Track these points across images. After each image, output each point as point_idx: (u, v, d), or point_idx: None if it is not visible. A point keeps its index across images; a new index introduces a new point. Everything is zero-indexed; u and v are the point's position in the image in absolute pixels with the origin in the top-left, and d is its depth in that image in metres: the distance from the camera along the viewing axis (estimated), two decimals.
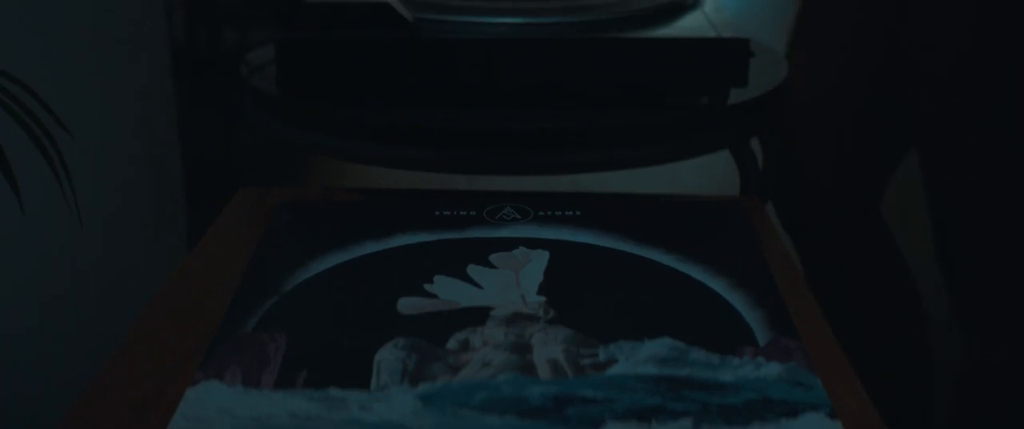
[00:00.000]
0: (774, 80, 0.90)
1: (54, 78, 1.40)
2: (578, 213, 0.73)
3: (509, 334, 0.57)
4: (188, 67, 2.87)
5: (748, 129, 0.88)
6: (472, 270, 0.65)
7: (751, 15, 1.24)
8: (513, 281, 0.63)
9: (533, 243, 0.69)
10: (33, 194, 0.91)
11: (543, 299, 0.61)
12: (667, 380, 0.52)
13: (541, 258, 0.67)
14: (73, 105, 1.22)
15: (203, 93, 2.85)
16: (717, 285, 0.64)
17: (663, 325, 0.58)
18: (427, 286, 0.63)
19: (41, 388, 1.40)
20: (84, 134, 1.10)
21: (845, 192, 1.16)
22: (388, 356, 0.54)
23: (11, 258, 1.36)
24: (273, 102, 0.84)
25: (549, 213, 0.73)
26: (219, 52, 3.28)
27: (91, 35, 1.55)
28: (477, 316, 0.59)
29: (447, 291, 0.62)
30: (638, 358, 0.55)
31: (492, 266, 0.66)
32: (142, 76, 1.71)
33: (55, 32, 1.45)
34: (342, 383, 0.52)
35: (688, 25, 0.84)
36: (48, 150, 0.75)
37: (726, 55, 0.81)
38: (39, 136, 0.74)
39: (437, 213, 0.73)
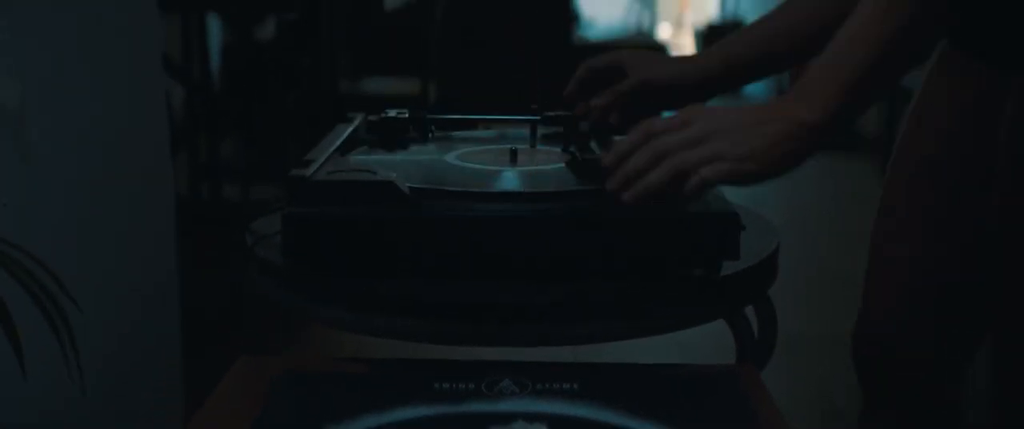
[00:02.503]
0: (766, 250, 0.93)
1: (57, 237, 1.42)
2: (575, 386, 0.74)
3: None
4: (190, 224, 2.90)
5: (742, 299, 0.90)
6: None
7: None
8: None
9: (531, 417, 0.69)
10: (34, 356, 0.92)
11: None
12: None
13: None
14: (76, 268, 1.24)
15: (205, 250, 2.88)
16: None
17: None
18: None
19: None
20: (87, 299, 1.11)
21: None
22: None
23: (10, 422, 1.35)
24: (277, 271, 0.86)
25: (547, 385, 0.74)
26: (222, 209, 3.33)
27: (95, 196, 1.58)
28: None
29: None
30: None
31: None
32: (146, 236, 1.74)
33: (60, 191, 1.48)
34: None
35: (680, 200, 0.86)
36: (59, 328, 0.76)
37: (718, 228, 0.83)
38: (52, 314, 0.76)
39: (436, 385, 0.74)
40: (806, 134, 0.83)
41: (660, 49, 5.24)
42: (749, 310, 0.96)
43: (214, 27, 4.10)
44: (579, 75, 1.08)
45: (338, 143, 0.97)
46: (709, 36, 6.68)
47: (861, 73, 0.84)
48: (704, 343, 1.70)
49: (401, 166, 0.92)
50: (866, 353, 1.24)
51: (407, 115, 1.08)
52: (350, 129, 1.03)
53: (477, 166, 0.95)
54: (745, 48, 1.07)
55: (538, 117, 1.07)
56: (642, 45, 5.02)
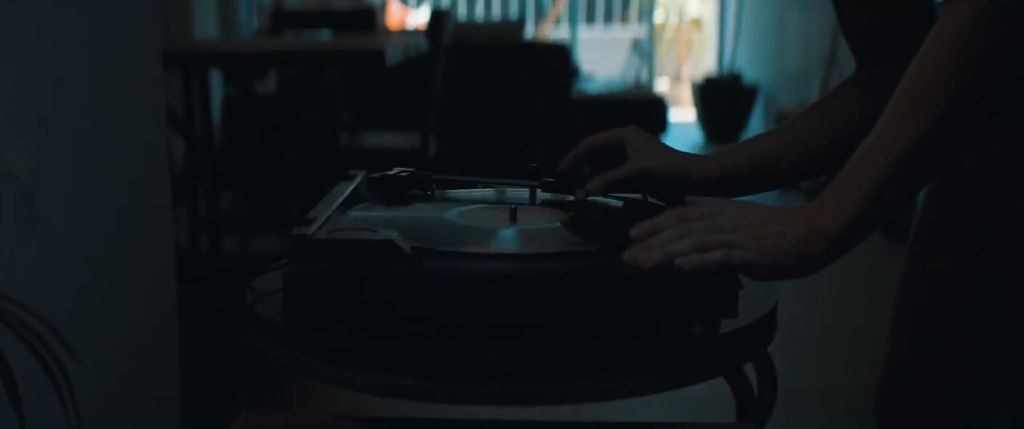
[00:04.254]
0: (765, 307, 0.93)
1: (57, 289, 1.42)
2: None
3: None
4: (189, 275, 2.91)
5: (740, 356, 0.90)
6: None
7: None
8: None
9: None
10: (33, 409, 0.92)
11: None
12: None
13: None
14: (76, 320, 1.24)
15: (204, 302, 2.88)
16: None
17: None
18: None
19: None
20: (87, 351, 1.11)
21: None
22: None
23: None
24: (277, 329, 0.87)
25: None
26: (221, 261, 3.33)
27: (96, 248, 1.58)
28: None
29: None
30: None
31: None
32: (147, 288, 1.74)
33: (60, 243, 1.48)
34: None
35: None
36: (57, 381, 0.77)
37: (715, 287, 0.84)
38: (50, 367, 0.76)
39: None
40: (825, 242, 0.86)
41: (659, 103, 5.26)
42: (748, 367, 0.96)
43: (216, 80, 4.14)
44: (578, 152, 1.07)
45: (339, 201, 0.98)
46: (706, 89, 6.73)
47: (878, 185, 0.85)
48: (705, 399, 1.70)
49: (402, 224, 0.93)
50: (889, 411, 1.24)
51: (408, 173, 1.09)
52: (351, 187, 1.04)
53: (477, 225, 0.96)
54: (745, 160, 1.07)
55: (537, 183, 1.07)
56: (641, 99, 5.06)
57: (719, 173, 1.06)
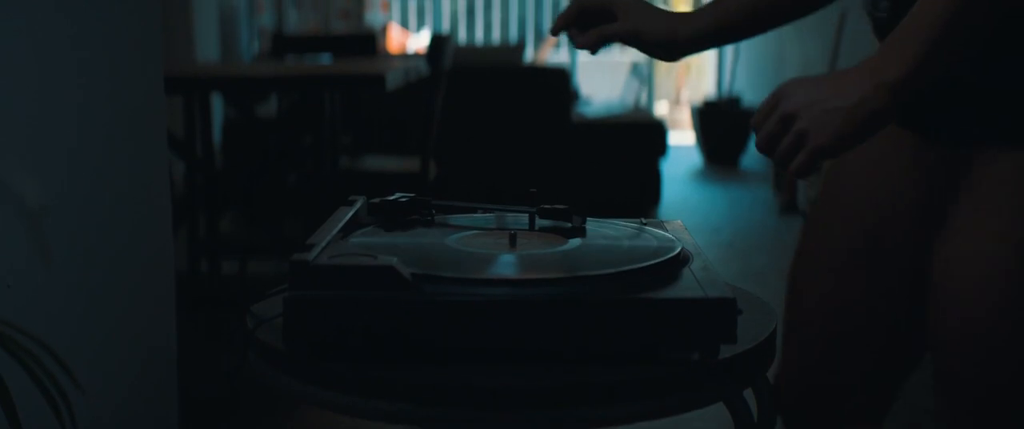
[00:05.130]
0: (764, 332, 0.93)
1: (60, 314, 1.42)
2: None
3: None
4: (190, 298, 2.91)
5: (740, 382, 0.90)
6: None
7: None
8: None
9: None
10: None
11: None
12: None
13: None
14: (77, 345, 1.24)
15: (203, 326, 2.88)
16: None
17: None
18: None
19: None
20: (87, 377, 1.11)
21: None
22: None
23: None
24: (277, 355, 0.87)
25: None
26: (220, 284, 3.33)
27: (97, 273, 1.58)
28: None
29: None
30: None
31: None
32: (147, 314, 1.74)
33: (62, 268, 1.48)
34: None
35: (677, 285, 0.88)
36: (59, 409, 0.77)
37: (714, 313, 0.84)
38: (53, 395, 0.77)
39: None
40: (887, 94, 0.87)
41: (658, 126, 5.27)
42: (748, 392, 0.97)
43: (217, 103, 4.15)
44: (568, 12, 1.11)
45: (340, 226, 0.98)
46: (705, 112, 6.74)
47: (938, 31, 0.87)
48: (704, 424, 1.70)
49: (402, 250, 0.93)
50: (788, 399, 1.24)
51: (408, 199, 1.09)
52: (352, 212, 1.04)
53: (477, 251, 0.96)
54: (738, 6, 1.10)
55: (536, 210, 1.08)
56: (640, 122, 5.06)
57: (716, 26, 1.10)
